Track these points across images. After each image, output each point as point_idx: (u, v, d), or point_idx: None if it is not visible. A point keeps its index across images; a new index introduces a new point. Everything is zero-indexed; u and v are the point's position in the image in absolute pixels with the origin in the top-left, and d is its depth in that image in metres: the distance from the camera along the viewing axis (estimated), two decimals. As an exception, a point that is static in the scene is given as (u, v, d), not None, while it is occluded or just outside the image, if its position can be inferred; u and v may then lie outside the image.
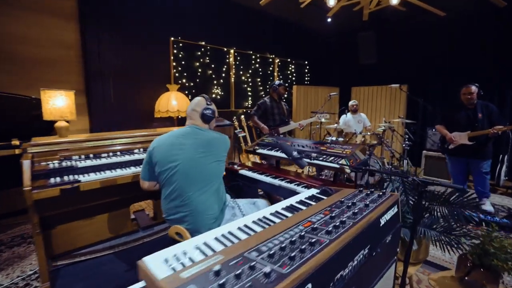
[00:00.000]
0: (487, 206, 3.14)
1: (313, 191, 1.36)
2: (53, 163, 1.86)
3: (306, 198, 1.28)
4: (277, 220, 1.03)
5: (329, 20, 5.52)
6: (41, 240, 1.75)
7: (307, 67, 6.69)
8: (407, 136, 4.73)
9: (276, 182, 2.01)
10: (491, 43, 4.58)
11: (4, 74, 3.06)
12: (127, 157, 2.12)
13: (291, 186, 1.90)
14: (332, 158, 1.96)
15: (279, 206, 1.21)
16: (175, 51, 4.37)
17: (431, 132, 4.69)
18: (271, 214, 1.13)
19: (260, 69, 5.65)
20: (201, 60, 4.72)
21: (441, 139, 3.39)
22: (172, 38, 4.33)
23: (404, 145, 4.72)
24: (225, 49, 5.04)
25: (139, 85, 4.06)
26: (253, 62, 5.52)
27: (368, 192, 1.15)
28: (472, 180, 3.37)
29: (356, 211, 0.95)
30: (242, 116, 4.98)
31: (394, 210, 1.07)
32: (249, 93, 5.54)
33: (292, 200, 1.29)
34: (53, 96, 2.02)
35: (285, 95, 3.64)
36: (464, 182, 3.40)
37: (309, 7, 3.88)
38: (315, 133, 4.91)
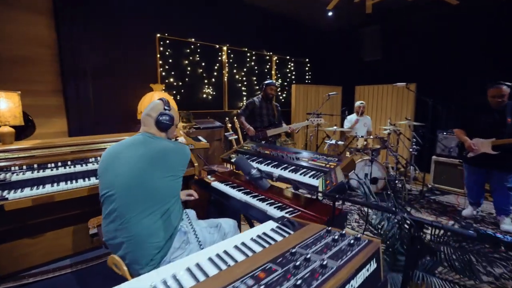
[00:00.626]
0: (507, 225, 2.71)
1: (271, 225, 1.03)
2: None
3: (256, 237, 0.95)
4: (213, 272, 0.74)
5: (330, 14, 5.13)
6: None
7: (308, 65, 6.31)
8: (414, 139, 4.30)
9: (248, 199, 1.68)
10: None
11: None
12: (77, 168, 1.84)
13: (262, 205, 1.57)
14: (313, 173, 1.62)
15: (230, 244, 0.91)
16: (161, 49, 4.10)
17: (442, 136, 4.25)
18: (217, 255, 0.84)
19: (256, 67, 5.32)
20: (191, 58, 4.43)
21: (459, 145, 2.95)
22: (159, 35, 4.05)
23: (411, 150, 4.30)
24: (217, 46, 4.74)
25: (122, 85, 3.80)
26: (248, 60, 5.19)
27: (338, 236, 0.81)
28: (489, 191, 2.94)
29: (305, 276, 0.62)
30: (236, 117, 4.67)
31: (372, 266, 0.73)
32: (244, 93, 5.21)
33: (243, 237, 0.97)
34: (-4, 97, 1.75)
35: (272, 95, 3.30)
36: (480, 195, 2.97)
37: (309, 0, 3.53)
38: (313, 136, 4.54)
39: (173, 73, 4.26)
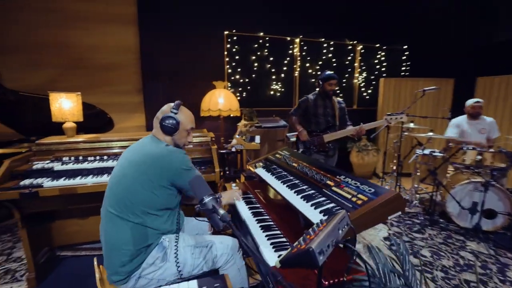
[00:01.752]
0: None
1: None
2: (38, 164, 1.88)
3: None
4: None
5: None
6: (25, 234, 1.81)
7: (406, 53, 5.06)
8: None
9: (248, 219, 1.37)
10: None
11: (76, 78, 3.59)
12: (109, 163, 1.96)
13: (259, 235, 1.22)
14: (327, 206, 1.12)
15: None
16: (228, 46, 4.09)
17: None
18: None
19: (334, 60, 4.65)
20: (259, 53, 4.25)
21: None
22: (226, 32, 4.05)
23: None
24: (289, 39, 4.37)
25: (191, 83, 4.02)
26: (324, 51, 4.58)
27: None
28: None
29: None
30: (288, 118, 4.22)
31: None
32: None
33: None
34: (59, 98, 2.06)
35: (331, 92, 2.69)
36: None
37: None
38: (397, 142, 3.57)
39: (239, 69, 4.20)
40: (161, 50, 3.81)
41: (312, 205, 1.16)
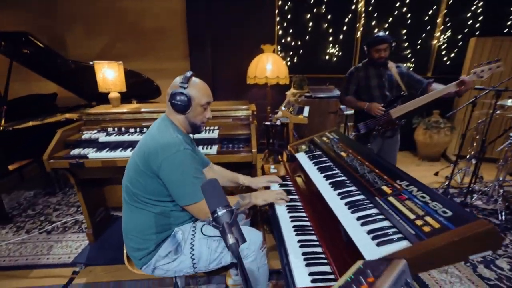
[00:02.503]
0: None
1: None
2: (86, 133, 1.98)
3: None
4: None
5: None
6: (81, 196, 2.00)
7: (516, 2, 3.80)
8: None
9: (284, 220, 1.19)
10: None
11: (126, 44, 3.65)
12: (148, 136, 1.95)
13: (292, 245, 1.04)
14: (385, 224, 0.86)
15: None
16: (280, 3, 3.61)
17: None
18: None
19: (409, 15, 3.78)
20: (314, 10, 3.67)
21: None
22: (279, -13, 3.55)
23: None
24: (353, -9, 3.64)
25: (237, 47, 3.76)
26: (397, 5, 3.73)
27: None
28: None
29: None
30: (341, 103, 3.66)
31: None
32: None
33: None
34: (102, 67, 2.07)
35: (382, 58, 2.08)
36: None
37: None
38: (483, 123, 2.83)
39: (291, 31, 3.74)
40: (207, 13, 3.56)
41: (358, 219, 0.91)
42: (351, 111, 3.35)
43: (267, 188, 1.49)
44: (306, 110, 3.14)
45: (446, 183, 2.98)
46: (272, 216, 1.28)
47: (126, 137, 1.93)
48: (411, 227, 0.80)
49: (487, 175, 3.15)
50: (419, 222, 0.80)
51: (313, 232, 1.13)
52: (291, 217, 1.23)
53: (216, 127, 2.03)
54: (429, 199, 0.87)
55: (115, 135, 1.95)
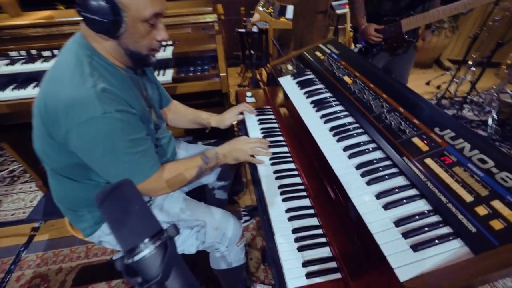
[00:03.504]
0: None
1: None
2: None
3: None
4: None
5: None
6: (10, 148, 1.57)
7: None
8: None
9: (271, 192, 0.88)
10: None
11: None
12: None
13: (277, 215, 0.76)
14: (422, 207, 0.55)
15: None
16: None
17: None
18: None
19: None
20: None
21: None
22: None
23: None
24: None
25: None
26: None
27: None
28: None
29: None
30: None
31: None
32: None
33: None
34: None
35: None
36: None
37: None
38: (497, 23, 2.36)
39: None
40: None
41: (378, 196, 0.60)
42: (344, 9, 2.68)
43: (241, 124, 1.12)
44: (290, 10, 2.45)
45: (441, 94, 2.74)
46: (253, 177, 0.96)
47: (39, 65, 1.34)
48: (468, 218, 0.50)
49: (481, 83, 2.91)
50: (481, 211, 0.50)
51: (305, 193, 0.85)
52: (276, 175, 0.91)
53: (169, 43, 1.46)
54: (494, 165, 0.55)
55: (22, 63, 1.35)
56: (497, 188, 0.52)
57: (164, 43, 0.93)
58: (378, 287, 0.61)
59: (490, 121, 2.35)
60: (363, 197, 0.62)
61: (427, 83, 3.27)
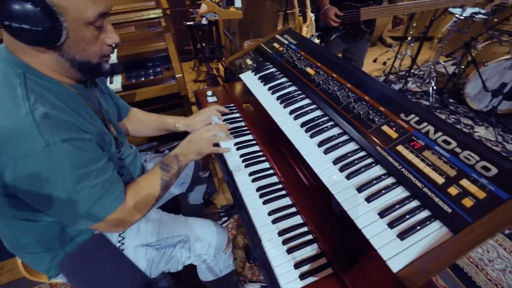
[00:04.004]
0: None
1: None
2: None
3: None
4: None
5: None
6: None
7: None
8: None
9: (249, 195, 0.85)
10: None
11: None
12: None
13: (258, 218, 0.74)
14: (401, 193, 0.57)
15: None
16: None
17: None
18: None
19: None
20: None
21: None
22: None
23: None
24: None
25: None
26: None
27: None
28: None
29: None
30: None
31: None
32: None
33: None
34: None
35: None
36: None
37: None
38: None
39: None
40: None
41: (360, 190, 0.61)
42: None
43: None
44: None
45: (387, 70, 2.94)
46: (224, 171, 0.93)
47: None
48: (443, 199, 0.53)
49: (419, 56, 3.19)
50: (453, 191, 0.53)
51: (285, 192, 0.84)
52: (252, 177, 0.89)
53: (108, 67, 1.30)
54: (456, 145, 0.59)
55: None
56: (463, 167, 0.56)
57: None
58: (370, 275, 0.63)
59: (430, 91, 2.60)
60: (345, 192, 0.62)
61: (374, 61, 3.48)
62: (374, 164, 0.65)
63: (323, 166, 0.69)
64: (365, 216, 0.57)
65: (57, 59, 0.60)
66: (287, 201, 0.83)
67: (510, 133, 2.38)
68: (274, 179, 0.89)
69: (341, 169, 0.66)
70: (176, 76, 1.23)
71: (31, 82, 0.57)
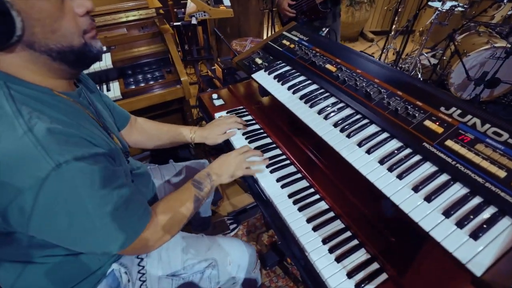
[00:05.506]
0: None
1: None
2: None
3: None
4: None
5: None
6: None
7: None
8: None
9: (290, 213, 0.80)
10: None
11: None
12: None
13: (298, 227, 0.69)
14: (460, 190, 0.55)
15: None
16: None
17: None
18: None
19: None
20: None
21: None
22: None
23: None
24: None
25: None
26: None
27: None
28: None
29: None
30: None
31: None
32: None
33: None
34: None
35: None
36: None
37: None
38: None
39: None
40: None
41: (416, 189, 0.58)
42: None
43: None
44: (227, -3, 2.29)
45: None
46: (256, 196, 0.86)
47: None
48: (510, 193, 0.51)
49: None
50: None
51: (327, 205, 0.80)
52: (290, 195, 0.84)
53: (103, 49, 1.18)
54: (509, 137, 0.58)
55: None
56: (524, 160, 0.54)
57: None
58: (428, 275, 0.60)
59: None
60: (400, 193, 0.59)
61: (359, 56, 3.54)
62: (423, 162, 0.63)
63: (369, 166, 0.65)
64: (430, 218, 0.54)
65: (30, 55, 0.47)
66: (323, 205, 0.79)
67: (492, 119, 2.51)
68: (304, 183, 0.85)
69: (390, 169, 0.63)
70: (181, 79, 1.15)
71: (17, 94, 0.46)
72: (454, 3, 2.51)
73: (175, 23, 2.12)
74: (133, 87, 1.14)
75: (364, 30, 4.05)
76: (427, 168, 0.62)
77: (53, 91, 0.52)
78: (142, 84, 1.15)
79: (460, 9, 2.47)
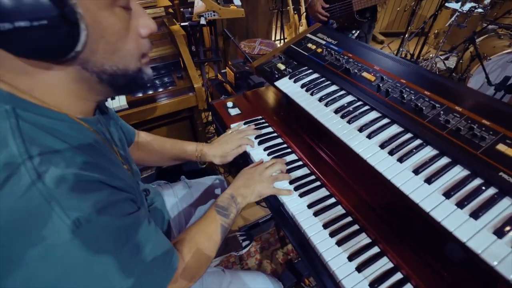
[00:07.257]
0: None
1: None
2: None
3: None
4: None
5: None
6: None
7: None
8: None
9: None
10: None
11: None
12: None
13: (321, 243, 0.58)
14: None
15: None
16: None
17: None
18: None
19: None
20: None
21: None
22: None
23: None
24: None
25: None
26: None
27: None
28: None
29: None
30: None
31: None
32: None
33: None
34: None
35: None
36: None
37: None
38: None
39: None
40: None
41: (499, 234, 0.46)
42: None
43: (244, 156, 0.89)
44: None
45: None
46: (280, 219, 0.75)
47: None
48: None
49: (415, 51, 3.17)
50: None
51: (371, 239, 0.68)
52: (315, 211, 0.72)
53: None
54: None
55: None
56: None
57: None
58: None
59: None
60: (480, 239, 0.47)
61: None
62: (502, 197, 0.51)
63: (432, 201, 0.54)
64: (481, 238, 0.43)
65: (79, 75, 0.38)
66: (363, 237, 0.67)
67: None
68: (339, 208, 0.74)
69: (460, 205, 0.51)
70: (195, 86, 1.03)
71: (26, 125, 0.35)
72: (473, 4, 2.40)
73: (182, 23, 2.01)
74: (140, 95, 1.02)
75: (374, 32, 3.93)
76: (507, 204, 0.50)
77: (70, 116, 0.41)
78: (150, 92, 1.03)
79: (479, 10, 2.36)
